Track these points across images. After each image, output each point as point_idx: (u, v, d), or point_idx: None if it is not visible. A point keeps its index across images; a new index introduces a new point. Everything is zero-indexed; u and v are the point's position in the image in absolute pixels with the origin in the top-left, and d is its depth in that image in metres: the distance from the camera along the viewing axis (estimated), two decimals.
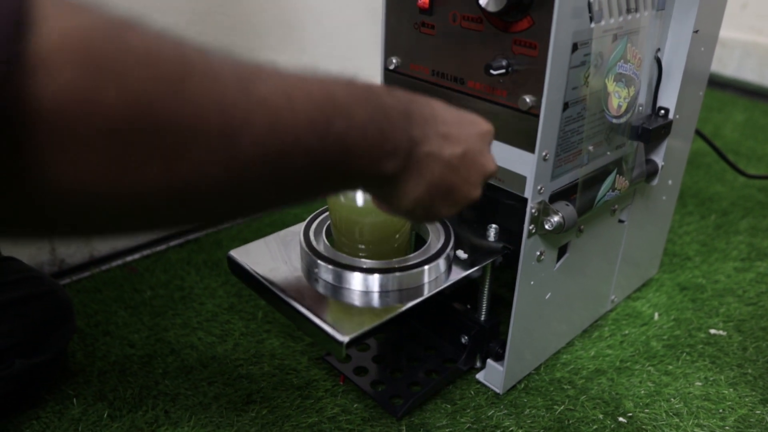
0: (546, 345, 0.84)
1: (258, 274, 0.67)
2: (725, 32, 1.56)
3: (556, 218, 0.68)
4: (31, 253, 0.97)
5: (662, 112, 0.81)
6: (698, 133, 0.99)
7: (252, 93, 0.33)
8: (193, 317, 0.92)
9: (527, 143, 0.65)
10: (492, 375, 0.80)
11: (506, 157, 0.68)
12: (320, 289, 0.65)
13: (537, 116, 0.63)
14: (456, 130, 0.49)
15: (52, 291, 0.76)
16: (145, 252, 1.06)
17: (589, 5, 0.62)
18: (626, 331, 0.91)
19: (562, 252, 0.77)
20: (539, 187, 0.67)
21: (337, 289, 0.65)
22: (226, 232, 1.13)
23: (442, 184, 0.48)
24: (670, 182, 0.91)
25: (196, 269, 1.02)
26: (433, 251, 0.68)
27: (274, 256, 0.70)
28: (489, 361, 0.80)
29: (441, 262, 0.68)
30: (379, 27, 0.76)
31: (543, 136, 0.64)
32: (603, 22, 0.64)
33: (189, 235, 1.11)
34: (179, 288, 0.98)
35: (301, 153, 0.35)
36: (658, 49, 0.78)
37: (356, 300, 0.64)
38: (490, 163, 0.53)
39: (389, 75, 0.77)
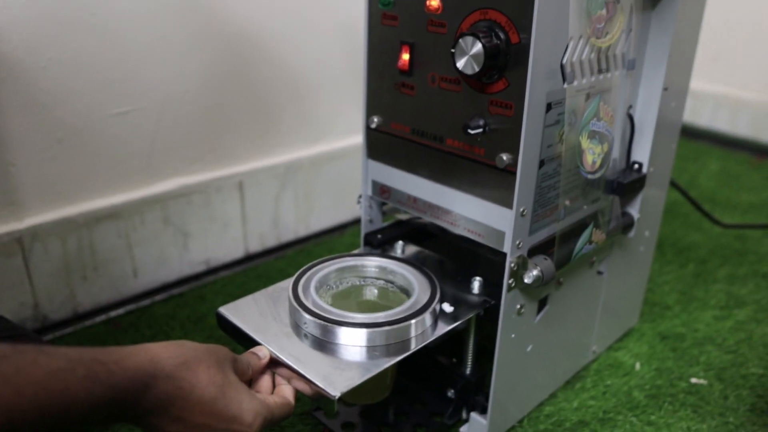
0: (529, 397, 0.85)
1: (248, 330, 0.68)
2: (698, 84, 1.62)
3: (534, 272, 0.69)
4: (13, 309, 0.96)
5: (636, 166, 0.83)
6: (673, 184, 1.01)
7: None
8: None
9: (505, 200, 0.67)
10: (476, 428, 0.80)
11: (485, 213, 0.69)
12: (309, 344, 0.66)
13: (514, 173, 0.65)
14: (196, 418, 0.52)
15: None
16: (130, 307, 1.06)
17: (562, 67, 0.64)
18: (608, 382, 0.92)
19: (542, 304, 0.78)
20: (518, 242, 0.68)
21: (325, 344, 0.66)
22: (210, 287, 1.13)
23: None
24: (647, 233, 0.93)
25: (181, 324, 1.02)
26: (420, 305, 0.69)
27: (263, 312, 0.71)
28: (473, 414, 0.80)
29: (427, 317, 0.68)
30: (361, 87, 0.78)
31: (520, 192, 0.65)
32: (576, 83, 0.67)
33: (173, 290, 1.11)
34: None
35: None
36: (630, 106, 0.81)
37: (344, 355, 0.65)
38: None
39: (371, 133, 0.79)
